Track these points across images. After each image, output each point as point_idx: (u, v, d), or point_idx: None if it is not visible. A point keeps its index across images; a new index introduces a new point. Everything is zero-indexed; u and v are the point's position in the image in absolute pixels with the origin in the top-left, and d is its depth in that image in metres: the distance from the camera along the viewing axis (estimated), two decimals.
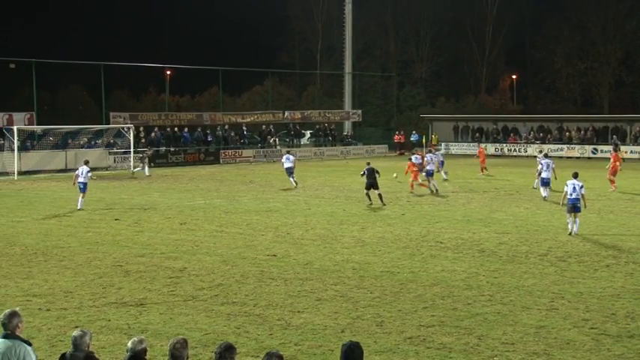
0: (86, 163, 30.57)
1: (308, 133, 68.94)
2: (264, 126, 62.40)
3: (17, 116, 49.00)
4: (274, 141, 61.65)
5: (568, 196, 22.58)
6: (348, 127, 71.94)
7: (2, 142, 46.71)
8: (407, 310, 14.26)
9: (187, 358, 8.20)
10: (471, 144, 67.30)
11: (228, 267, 18.13)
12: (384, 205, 29.62)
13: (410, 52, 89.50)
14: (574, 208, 22.52)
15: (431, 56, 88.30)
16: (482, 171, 43.82)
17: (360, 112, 72.52)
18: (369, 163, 31.32)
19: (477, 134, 68.36)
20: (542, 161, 31.55)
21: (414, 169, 34.86)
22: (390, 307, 14.53)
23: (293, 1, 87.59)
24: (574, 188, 22.59)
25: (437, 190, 33.95)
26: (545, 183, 31.02)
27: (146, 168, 45.40)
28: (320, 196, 33.64)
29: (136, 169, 45.46)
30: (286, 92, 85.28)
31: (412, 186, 34.42)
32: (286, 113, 65.59)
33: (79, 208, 28.69)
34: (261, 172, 45.83)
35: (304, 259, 19.14)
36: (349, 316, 13.94)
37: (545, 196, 30.73)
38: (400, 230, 23.59)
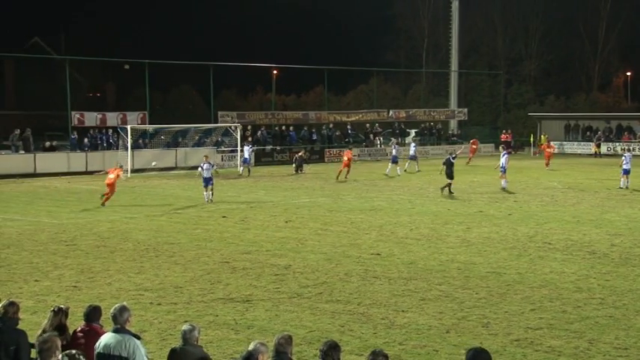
0: (206, 157, 32.36)
1: (413, 132, 68.50)
2: (367, 124, 62.41)
3: (131, 116, 50.76)
4: (378, 140, 61.54)
5: None
6: (453, 125, 71.10)
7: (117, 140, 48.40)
8: (514, 312, 13.99)
9: (291, 354, 8.24)
10: (582, 143, 65.54)
11: (332, 265, 18.22)
12: (443, 194, 32.81)
13: (518, 49, 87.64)
14: None
15: (540, 53, 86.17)
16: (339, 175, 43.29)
17: (466, 110, 71.55)
18: (451, 154, 35.12)
19: (588, 133, 66.42)
20: (626, 154, 36.56)
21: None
22: (496, 308, 14.28)
23: (399, 0, 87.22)
24: None
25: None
26: (626, 172, 35.42)
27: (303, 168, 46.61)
28: (425, 195, 33.39)
29: (300, 171, 46.22)
30: (391, 91, 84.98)
31: None
32: (391, 112, 65.36)
33: (206, 200, 30.47)
34: (365, 171, 45.82)
35: (408, 258, 19.03)
36: (454, 316, 13.78)
37: (627, 185, 35.12)
38: (507, 230, 23.16)
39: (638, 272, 17.20)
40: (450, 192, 32.87)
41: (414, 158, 46.70)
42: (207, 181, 30.87)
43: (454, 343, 12.27)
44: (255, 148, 49.54)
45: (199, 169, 31.76)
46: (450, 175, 33.31)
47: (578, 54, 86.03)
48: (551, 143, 56.80)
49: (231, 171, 47.58)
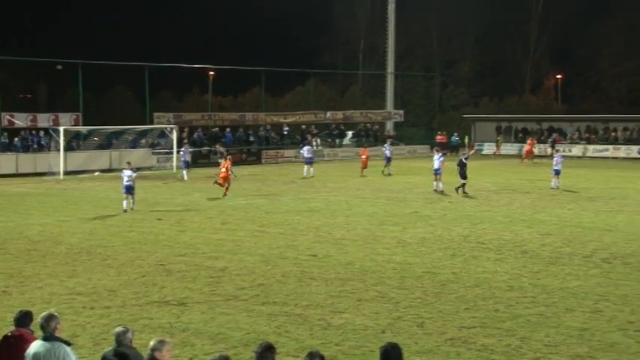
0: (128, 164, 29.93)
1: (350, 134, 68.86)
2: (303, 126, 62.49)
3: (63, 117, 49.77)
4: (315, 141, 61.64)
5: None
6: (389, 127, 71.72)
7: (49, 142, 47.43)
8: (448, 311, 14.17)
9: None
10: (514, 144, 66.76)
11: (269, 267, 18.19)
12: (458, 193, 33.28)
13: (453, 51, 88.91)
14: None
15: (474, 56, 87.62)
16: (362, 171, 45.41)
17: (402, 112, 72.25)
18: (464, 154, 35.64)
19: (520, 134, 67.68)
20: (556, 155, 38.32)
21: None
22: (431, 307, 14.46)
23: (336, 1, 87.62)
24: None
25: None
26: (557, 173, 36.34)
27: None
28: (361, 196, 33.60)
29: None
30: (328, 92, 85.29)
31: None
32: (328, 113, 65.59)
33: (123, 209, 28.20)
34: (302, 173, 45.87)
35: (345, 259, 19.12)
36: (390, 316, 13.90)
37: (557, 186, 35.83)
38: (441, 231, 23.45)
39: (568, 271, 17.60)
40: (464, 192, 33.36)
41: (389, 160, 46.27)
42: (128, 189, 28.50)
43: None
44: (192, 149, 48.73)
45: (121, 174, 29.39)
46: (463, 175, 33.83)
47: (511, 56, 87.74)
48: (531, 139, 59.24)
49: (166, 173, 47.11)
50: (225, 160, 34.64)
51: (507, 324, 13.36)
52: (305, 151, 45.17)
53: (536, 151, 57.50)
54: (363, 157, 45.94)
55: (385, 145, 48.28)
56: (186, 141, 49.91)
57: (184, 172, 42.87)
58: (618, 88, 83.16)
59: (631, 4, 78.69)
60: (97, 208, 29.53)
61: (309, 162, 44.15)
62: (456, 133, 67.44)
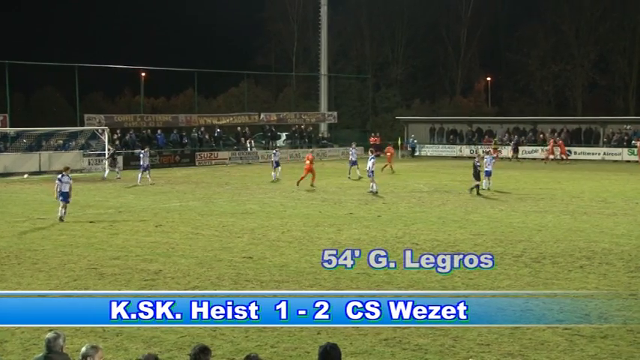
0: (67, 169, 27.80)
1: (284, 135, 68.91)
2: (239, 128, 62.29)
3: None
4: (249, 143, 61.44)
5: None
6: (324, 128, 71.99)
7: None
8: None
9: None
10: (446, 146, 67.70)
11: (203, 269, 18.07)
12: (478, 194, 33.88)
13: (385, 54, 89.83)
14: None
15: (406, 58, 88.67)
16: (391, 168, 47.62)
17: (335, 113, 72.61)
18: (477, 161, 35.24)
19: (452, 136, 68.70)
20: (487, 157, 38.14)
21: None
22: None
23: (269, 3, 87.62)
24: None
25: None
26: (488, 174, 36.66)
27: (107, 170, 44.82)
28: (296, 197, 33.63)
29: (115, 168, 44.91)
30: (262, 94, 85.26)
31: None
32: (262, 115, 65.51)
33: (59, 216, 26.38)
34: (236, 174, 45.72)
35: (280, 261, 19.12)
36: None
37: (489, 187, 36.29)
38: (376, 232, 23.63)
39: (499, 270, 17.90)
40: (478, 193, 34.16)
41: (354, 164, 43.78)
42: (66, 196, 26.52)
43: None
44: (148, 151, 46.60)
45: (57, 181, 26.81)
46: (476, 176, 34.63)
47: (442, 59, 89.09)
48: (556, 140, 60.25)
49: (98, 175, 46.36)
50: (309, 153, 40.65)
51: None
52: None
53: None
54: (389, 154, 48.43)
55: (351, 149, 46.01)
56: (115, 143, 49.08)
57: (147, 174, 40.79)
58: (546, 91, 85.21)
59: (557, 7, 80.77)
60: (26, 211, 28.89)
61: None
62: (413, 135, 68.15)
